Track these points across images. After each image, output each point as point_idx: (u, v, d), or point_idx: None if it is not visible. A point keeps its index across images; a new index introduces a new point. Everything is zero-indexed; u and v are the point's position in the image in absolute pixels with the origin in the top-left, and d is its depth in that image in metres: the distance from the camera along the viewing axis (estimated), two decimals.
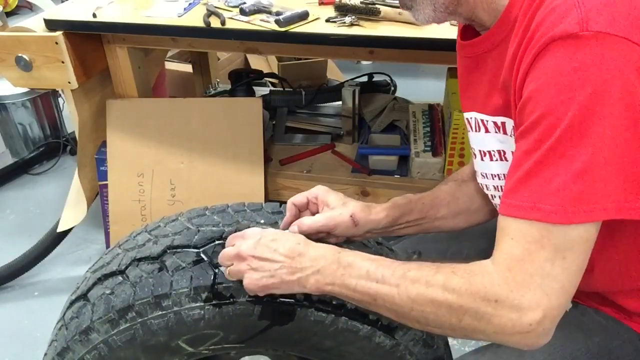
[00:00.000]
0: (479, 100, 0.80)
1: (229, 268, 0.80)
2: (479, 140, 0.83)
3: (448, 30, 1.31)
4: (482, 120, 0.80)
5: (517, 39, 0.67)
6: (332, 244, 0.82)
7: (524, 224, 0.63)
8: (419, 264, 0.71)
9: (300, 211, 0.91)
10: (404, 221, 0.93)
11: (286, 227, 0.88)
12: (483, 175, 0.86)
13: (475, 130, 0.83)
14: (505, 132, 0.76)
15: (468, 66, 0.83)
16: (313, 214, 0.90)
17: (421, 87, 3.14)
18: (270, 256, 0.76)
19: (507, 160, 0.78)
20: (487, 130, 0.80)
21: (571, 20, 0.59)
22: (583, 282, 0.65)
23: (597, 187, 0.60)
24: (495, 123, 0.77)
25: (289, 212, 0.90)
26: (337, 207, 0.88)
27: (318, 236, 0.88)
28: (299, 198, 0.90)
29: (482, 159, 0.83)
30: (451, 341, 1.54)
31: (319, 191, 0.91)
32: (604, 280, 0.80)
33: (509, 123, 0.75)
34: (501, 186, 0.82)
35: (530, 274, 0.62)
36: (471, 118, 0.83)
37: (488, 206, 0.95)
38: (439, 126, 1.89)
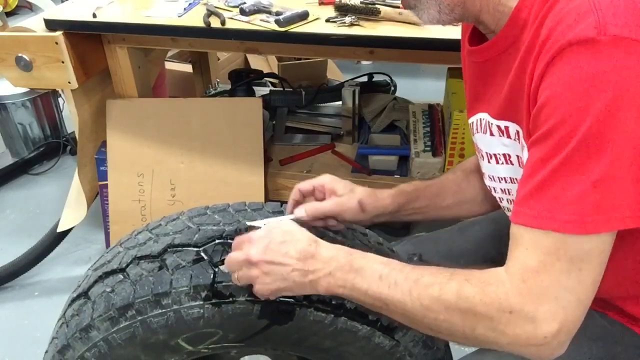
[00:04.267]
0: (491, 104, 0.79)
1: (237, 273, 0.78)
2: (486, 143, 0.82)
3: (448, 30, 1.31)
4: (488, 123, 0.79)
5: (526, 43, 0.66)
6: (335, 229, 0.82)
7: (539, 234, 0.62)
8: (431, 270, 0.69)
9: (305, 197, 0.92)
10: (410, 207, 0.94)
11: (291, 211, 0.89)
12: (490, 178, 0.85)
13: (483, 132, 0.82)
14: (509, 136, 0.75)
15: (477, 71, 0.82)
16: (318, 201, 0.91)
17: (421, 87, 3.13)
18: (282, 260, 0.74)
19: (513, 164, 0.77)
20: (491, 134, 0.79)
21: (588, 24, 0.57)
22: None
23: (615, 197, 0.59)
24: (499, 127, 0.77)
25: (293, 195, 0.91)
26: (344, 194, 0.89)
27: (326, 222, 0.89)
28: (304, 185, 0.92)
29: (488, 162, 0.83)
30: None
31: (325, 179, 0.92)
32: (611, 285, 0.77)
33: (513, 127, 0.74)
34: (508, 189, 0.81)
35: (546, 286, 0.61)
36: (482, 119, 0.82)
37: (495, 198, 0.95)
38: (439, 126, 1.89)
